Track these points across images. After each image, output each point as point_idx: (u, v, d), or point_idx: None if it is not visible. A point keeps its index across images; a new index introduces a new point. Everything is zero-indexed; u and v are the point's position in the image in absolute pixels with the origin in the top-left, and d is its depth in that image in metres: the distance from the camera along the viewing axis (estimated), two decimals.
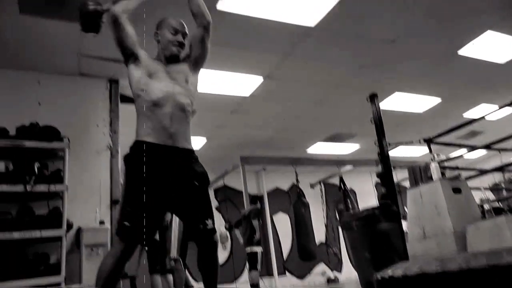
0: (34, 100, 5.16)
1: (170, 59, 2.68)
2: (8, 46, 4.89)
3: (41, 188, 4.47)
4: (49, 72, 5.37)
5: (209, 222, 2.49)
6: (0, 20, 4.44)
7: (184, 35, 2.72)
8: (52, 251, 4.57)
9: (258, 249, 7.37)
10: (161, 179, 2.38)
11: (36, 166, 4.53)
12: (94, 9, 2.64)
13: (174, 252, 4.07)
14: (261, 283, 7.48)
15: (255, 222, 7.39)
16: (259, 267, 7.34)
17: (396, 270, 1.45)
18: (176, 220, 4.69)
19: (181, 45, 2.70)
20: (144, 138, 2.42)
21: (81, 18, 2.67)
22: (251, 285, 7.36)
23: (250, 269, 7.52)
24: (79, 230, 4.82)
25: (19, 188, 4.37)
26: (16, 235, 4.23)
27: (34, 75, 5.29)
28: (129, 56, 2.62)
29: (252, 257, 7.37)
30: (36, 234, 4.31)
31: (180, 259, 4.28)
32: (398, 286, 1.41)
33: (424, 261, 1.42)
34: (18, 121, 4.67)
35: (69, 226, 4.67)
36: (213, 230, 2.52)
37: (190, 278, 4.47)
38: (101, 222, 4.99)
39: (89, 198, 5.10)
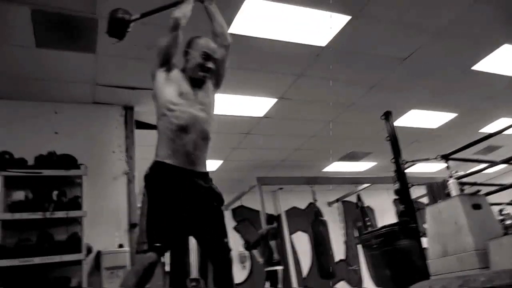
0: (51, 130, 5.27)
1: (195, 82, 2.68)
2: (25, 78, 5.03)
3: (60, 214, 4.58)
4: (65, 102, 5.48)
5: (226, 240, 2.53)
6: (17, 54, 4.58)
7: (214, 61, 2.72)
8: (73, 275, 4.62)
9: (279, 268, 7.34)
10: (182, 199, 2.41)
11: (55, 193, 4.66)
12: (121, 17, 2.70)
13: (194, 273, 4.06)
14: None
15: (273, 243, 7.36)
16: (280, 285, 7.29)
17: None
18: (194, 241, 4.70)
19: (209, 71, 2.70)
20: (165, 160, 2.44)
21: (108, 23, 2.73)
22: None
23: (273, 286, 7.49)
24: (98, 254, 4.90)
25: (38, 215, 4.48)
26: (36, 260, 4.34)
27: (50, 106, 5.40)
28: (164, 64, 2.63)
29: (272, 275, 7.34)
30: (56, 258, 4.41)
31: (202, 279, 4.26)
32: None
33: (447, 280, 1.41)
34: (36, 151, 4.79)
35: (89, 250, 4.76)
36: (230, 248, 2.54)
37: None
38: (120, 246, 5.06)
39: (108, 223, 5.16)
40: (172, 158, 2.44)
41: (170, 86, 2.58)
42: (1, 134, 5.03)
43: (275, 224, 7.85)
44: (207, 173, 2.59)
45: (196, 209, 2.45)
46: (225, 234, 2.56)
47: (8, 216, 4.44)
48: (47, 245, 4.47)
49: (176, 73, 2.65)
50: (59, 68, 4.92)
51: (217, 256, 2.52)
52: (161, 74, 2.62)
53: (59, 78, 5.12)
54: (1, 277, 4.25)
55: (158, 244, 2.30)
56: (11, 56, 4.61)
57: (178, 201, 2.40)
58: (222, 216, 2.61)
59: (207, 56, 2.68)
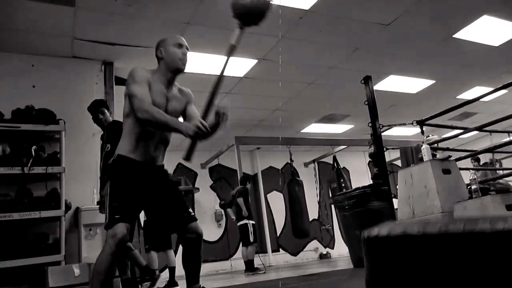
0: (28, 83, 5.18)
1: (175, 73, 2.70)
2: (2, 29, 4.89)
3: (39, 170, 4.55)
4: (43, 55, 5.37)
5: (191, 210, 2.66)
6: None
7: (187, 48, 2.74)
8: (51, 231, 4.67)
9: (249, 222, 7.50)
10: (143, 185, 2.53)
11: (33, 148, 4.59)
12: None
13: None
14: (256, 260, 7.62)
15: (240, 200, 7.53)
16: (251, 238, 7.45)
17: (382, 230, 1.56)
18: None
19: (185, 58, 2.72)
20: (128, 155, 2.53)
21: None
22: (245, 262, 7.51)
23: (243, 245, 7.67)
24: (77, 210, 4.92)
25: (16, 170, 4.46)
26: (15, 216, 4.34)
27: (27, 58, 5.29)
28: None
29: (243, 230, 7.52)
30: (36, 215, 4.42)
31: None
32: (382, 245, 1.52)
33: (408, 223, 1.52)
34: (13, 105, 4.72)
35: (68, 206, 4.77)
36: (196, 218, 2.64)
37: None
38: (98, 203, 5.08)
39: (86, 179, 5.17)
40: (134, 153, 2.54)
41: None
42: None
43: (248, 185, 7.95)
44: (163, 166, 2.74)
45: (156, 192, 2.60)
46: (188, 207, 2.69)
47: None
48: (26, 201, 4.47)
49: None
50: (37, 20, 4.79)
51: (186, 226, 2.61)
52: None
53: (37, 30, 4.99)
54: None
55: (117, 216, 2.39)
56: None
57: (137, 183, 2.51)
58: (181, 193, 2.79)
59: (180, 45, 2.72)
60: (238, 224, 7.63)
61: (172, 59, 2.67)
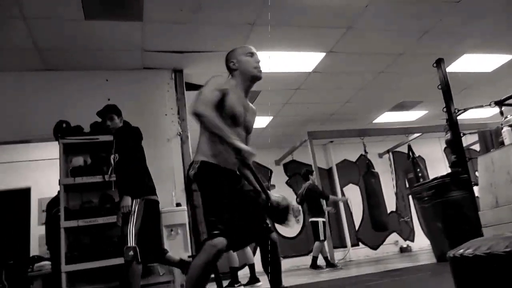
0: (104, 97, 5.42)
1: (253, 82, 2.75)
2: (76, 50, 5.26)
3: None
4: (115, 69, 5.69)
5: (268, 222, 2.70)
6: (67, 27, 4.78)
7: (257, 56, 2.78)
8: None
9: (320, 219, 7.47)
10: (229, 191, 2.56)
11: (112, 157, 4.85)
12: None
13: (132, 242, 4.01)
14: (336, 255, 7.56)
15: (313, 195, 7.55)
16: (321, 237, 7.40)
17: (467, 250, 1.51)
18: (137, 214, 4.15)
19: (260, 65, 2.75)
20: (212, 161, 2.57)
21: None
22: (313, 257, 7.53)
23: (314, 240, 7.68)
24: None
25: (98, 178, 4.76)
26: (100, 220, 4.65)
27: (101, 74, 5.64)
28: None
29: (313, 226, 7.52)
30: None
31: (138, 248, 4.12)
32: (468, 264, 1.47)
33: (495, 239, 1.45)
34: (91, 119, 4.95)
35: None
36: (272, 230, 2.69)
37: None
38: (178, 204, 5.27)
39: (164, 183, 5.29)
40: (217, 158, 2.58)
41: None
42: (57, 104, 5.36)
43: (311, 179, 7.89)
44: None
45: (239, 200, 2.62)
46: (265, 219, 2.72)
47: (70, 180, 4.75)
48: (108, 206, 4.77)
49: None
50: (108, 37, 5.09)
51: (265, 236, 2.65)
52: None
53: (108, 47, 5.31)
54: (68, 236, 4.62)
55: (216, 232, 2.41)
56: (62, 30, 4.82)
57: (227, 191, 2.55)
58: (260, 205, 2.78)
59: (252, 54, 2.76)
60: (310, 220, 7.67)
61: (247, 69, 2.70)
